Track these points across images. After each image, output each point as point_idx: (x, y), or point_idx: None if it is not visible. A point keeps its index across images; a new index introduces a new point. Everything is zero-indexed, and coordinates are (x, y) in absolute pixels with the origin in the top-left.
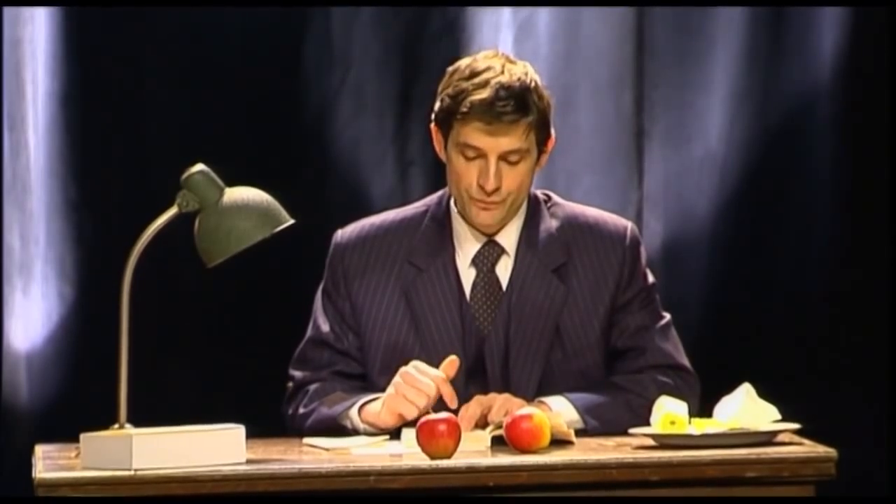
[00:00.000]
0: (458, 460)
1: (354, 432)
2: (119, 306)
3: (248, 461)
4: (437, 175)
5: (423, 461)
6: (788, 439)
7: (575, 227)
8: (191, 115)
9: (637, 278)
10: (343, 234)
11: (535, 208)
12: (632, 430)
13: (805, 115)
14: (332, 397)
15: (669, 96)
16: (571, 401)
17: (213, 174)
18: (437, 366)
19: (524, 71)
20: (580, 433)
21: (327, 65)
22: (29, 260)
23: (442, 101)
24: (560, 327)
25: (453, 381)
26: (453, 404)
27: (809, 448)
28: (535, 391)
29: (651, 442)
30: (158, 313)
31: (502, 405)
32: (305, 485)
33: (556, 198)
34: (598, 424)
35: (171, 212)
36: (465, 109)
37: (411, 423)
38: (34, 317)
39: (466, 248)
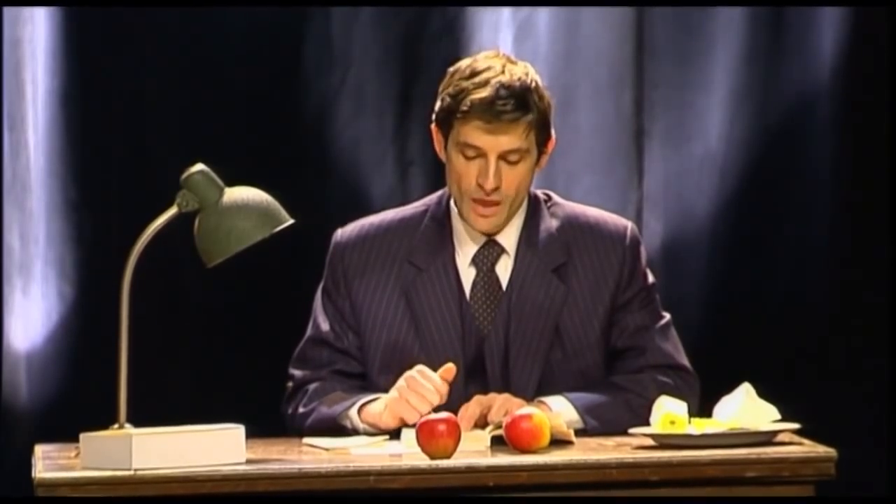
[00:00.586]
0: (458, 460)
1: (354, 432)
2: (119, 306)
3: (248, 461)
4: (437, 175)
5: (423, 461)
6: (788, 439)
7: (575, 227)
8: (191, 115)
9: (637, 278)
10: (343, 233)
11: (535, 208)
12: (631, 430)
13: (805, 114)
14: (331, 397)
15: (669, 96)
16: (571, 401)
17: (212, 174)
18: (437, 366)
19: (525, 71)
20: (580, 433)
21: (327, 65)
22: (29, 260)
23: (442, 100)
24: (560, 327)
25: (452, 382)
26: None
27: (809, 448)
28: (534, 391)
29: (651, 442)
30: (158, 313)
31: (502, 405)
32: (305, 485)
33: (556, 198)
34: (597, 424)
35: (171, 212)
36: (465, 108)
37: (411, 424)
38: (34, 316)
39: (466, 247)
